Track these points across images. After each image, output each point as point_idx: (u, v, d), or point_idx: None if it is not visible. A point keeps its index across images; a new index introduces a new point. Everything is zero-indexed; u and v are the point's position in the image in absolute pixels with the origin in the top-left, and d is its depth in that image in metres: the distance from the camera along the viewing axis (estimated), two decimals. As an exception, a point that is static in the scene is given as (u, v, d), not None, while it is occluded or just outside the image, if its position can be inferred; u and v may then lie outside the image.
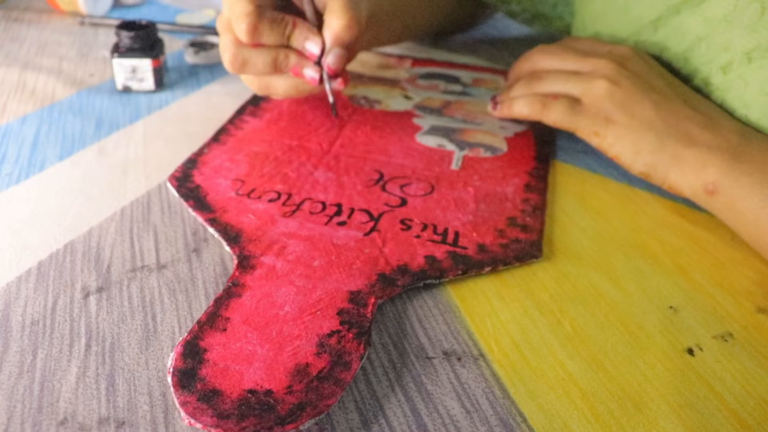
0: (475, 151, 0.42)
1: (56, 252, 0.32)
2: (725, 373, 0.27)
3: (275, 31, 0.37)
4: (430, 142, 0.43)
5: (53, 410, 0.24)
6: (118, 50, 0.48)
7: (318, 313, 0.28)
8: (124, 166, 0.39)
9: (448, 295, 0.30)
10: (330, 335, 0.27)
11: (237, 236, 0.32)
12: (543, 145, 0.43)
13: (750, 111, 0.36)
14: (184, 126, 0.45)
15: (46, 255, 0.32)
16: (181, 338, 0.26)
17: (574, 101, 0.40)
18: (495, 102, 0.45)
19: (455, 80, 0.53)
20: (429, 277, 0.31)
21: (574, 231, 0.35)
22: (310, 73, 0.38)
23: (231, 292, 0.29)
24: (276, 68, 0.38)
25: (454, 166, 0.40)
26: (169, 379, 0.24)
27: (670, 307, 0.30)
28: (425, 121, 0.46)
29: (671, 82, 0.39)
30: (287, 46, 0.38)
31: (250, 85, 0.42)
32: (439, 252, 0.32)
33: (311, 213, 0.35)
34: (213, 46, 0.57)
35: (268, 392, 0.24)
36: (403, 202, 0.36)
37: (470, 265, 0.31)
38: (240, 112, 0.46)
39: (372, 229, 0.34)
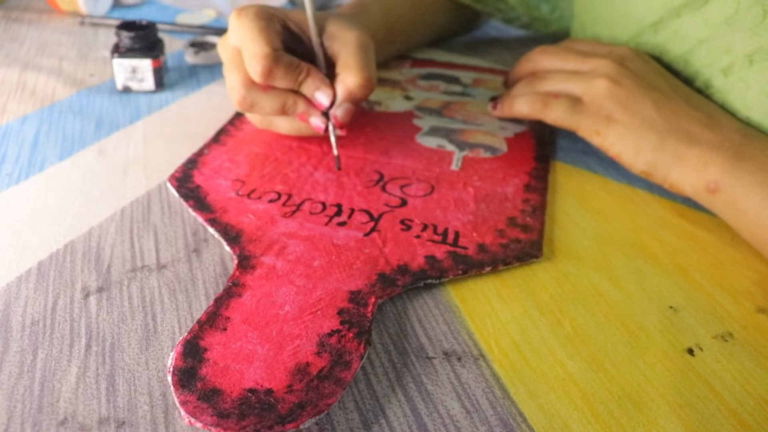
0: (475, 151, 0.42)
1: (56, 252, 0.32)
2: (725, 373, 0.27)
3: (289, 77, 0.37)
4: (430, 142, 0.43)
5: (53, 410, 0.24)
6: (118, 50, 0.48)
7: (318, 312, 0.28)
8: (124, 167, 0.39)
9: (448, 295, 0.31)
10: (330, 335, 0.27)
11: (237, 236, 0.32)
12: (543, 146, 0.43)
13: (751, 113, 0.36)
14: (184, 126, 0.45)
15: (46, 255, 0.32)
16: (181, 338, 0.26)
17: (575, 100, 0.40)
18: (495, 102, 0.45)
19: (455, 81, 0.53)
20: (429, 277, 0.31)
21: (574, 231, 0.35)
22: (317, 122, 0.38)
23: (231, 291, 0.29)
24: (283, 112, 0.38)
25: (454, 166, 0.40)
26: (169, 378, 0.24)
27: (670, 307, 0.30)
28: (425, 122, 0.46)
29: (672, 81, 0.39)
30: (296, 92, 0.38)
31: (252, 119, 0.42)
32: (440, 252, 0.32)
33: (311, 213, 0.35)
34: (213, 46, 0.57)
35: (269, 391, 0.24)
36: (403, 203, 0.36)
37: (470, 265, 0.31)
38: (240, 112, 0.46)
39: (372, 230, 0.34)
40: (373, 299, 0.29)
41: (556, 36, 0.59)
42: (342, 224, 0.34)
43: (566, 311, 0.30)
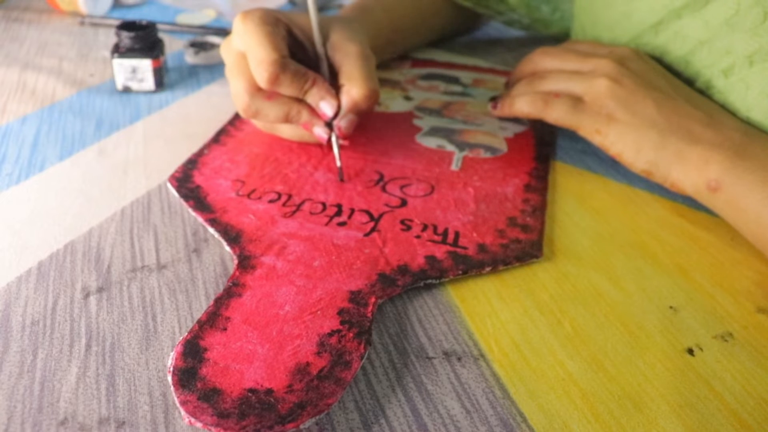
0: (475, 151, 0.42)
1: (56, 252, 0.32)
2: (725, 373, 0.27)
3: (295, 85, 0.37)
4: (430, 143, 0.43)
5: (53, 410, 0.24)
6: (118, 50, 0.48)
7: (318, 312, 0.28)
8: (124, 167, 0.39)
9: (448, 295, 0.31)
10: (330, 335, 0.27)
11: (237, 236, 0.32)
12: (543, 146, 0.43)
13: (752, 114, 0.36)
14: (184, 126, 0.45)
15: (46, 255, 0.32)
16: (181, 338, 0.26)
17: (575, 100, 0.40)
18: (495, 102, 0.45)
19: (455, 81, 0.53)
20: (429, 277, 0.31)
21: (574, 231, 0.35)
22: (320, 132, 0.38)
23: (231, 291, 0.29)
24: (287, 120, 0.38)
25: (454, 166, 0.40)
26: (170, 378, 0.24)
27: (670, 307, 0.30)
28: (425, 122, 0.46)
29: (672, 81, 0.39)
30: (300, 100, 0.38)
31: (256, 124, 0.42)
32: (440, 252, 0.32)
33: (311, 213, 0.35)
34: (213, 46, 0.57)
35: (269, 391, 0.24)
36: (403, 203, 0.36)
37: (470, 265, 0.31)
38: (240, 112, 0.46)
39: (372, 230, 0.34)
40: (373, 299, 0.29)
41: (557, 37, 0.59)
42: (342, 224, 0.34)
43: (566, 311, 0.30)
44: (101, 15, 0.67)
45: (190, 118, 0.46)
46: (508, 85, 0.48)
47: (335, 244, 0.32)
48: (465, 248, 0.33)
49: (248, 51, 0.37)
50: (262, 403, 0.23)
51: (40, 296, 0.29)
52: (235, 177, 0.38)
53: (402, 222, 0.34)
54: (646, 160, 0.36)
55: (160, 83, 0.50)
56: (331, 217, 0.34)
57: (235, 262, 0.31)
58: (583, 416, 0.25)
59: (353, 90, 0.37)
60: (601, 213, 0.37)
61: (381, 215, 0.35)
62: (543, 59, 0.44)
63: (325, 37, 0.39)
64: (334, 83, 0.39)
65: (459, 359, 0.27)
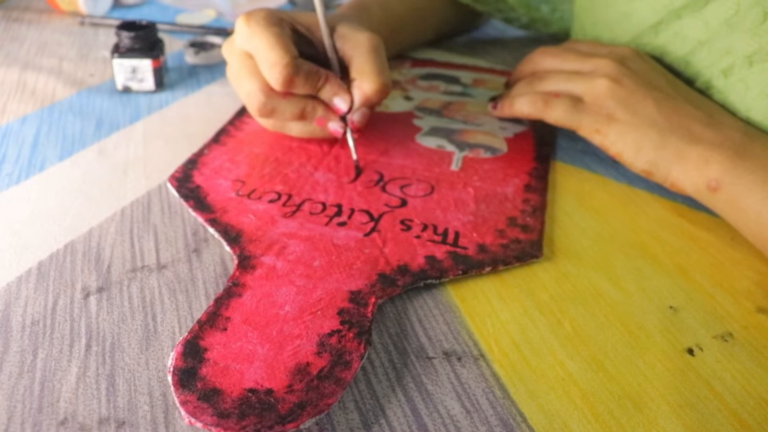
0: (475, 151, 0.42)
1: (56, 252, 0.32)
2: (725, 373, 0.27)
3: (309, 84, 0.37)
4: (430, 143, 0.43)
5: (53, 410, 0.24)
6: (118, 50, 0.48)
7: (318, 312, 0.28)
8: (124, 167, 0.39)
9: (448, 295, 0.31)
10: (330, 335, 0.27)
11: (237, 236, 0.32)
12: (543, 146, 0.43)
13: (751, 114, 0.36)
14: (184, 126, 0.45)
15: (46, 255, 0.32)
16: (181, 338, 0.26)
17: (576, 99, 0.40)
18: (495, 102, 0.45)
19: (455, 81, 0.53)
20: (429, 277, 0.31)
21: (574, 231, 0.35)
22: (336, 127, 0.39)
23: (231, 291, 0.29)
24: (302, 117, 0.39)
25: (454, 166, 0.40)
26: (170, 378, 0.24)
27: (670, 307, 0.30)
28: (425, 122, 0.46)
29: (672, 80, 0.39)
30: (314, 97, 0.38)
31: (262, 122, 0.42)
32: (440, 252, 0.32)
33: (311, 213, 0.35)
34: (213, 46, 0.57)
35: (269, 391, 0.24)
36: (403, 203, 0.36)
37: (470, 265, 0.31)
38: (240, 113, 0.46)
39: (372, 230, 0.34)
40: (373, 299, 0.29)
41: (557, 37, 0.59)
42: (342, 224, 0.34)
43: (566, 311, 0.30)
44: (101, 15, 0.67)
45: (190, 118, 0.46)
46: (508, 85, 0.48)
47: (335, 244, 0.32)
48: (465, 248, 0.33)
49: (257, 54, 0.37)
50: (262, 403, 0.23)
51: (40, 296, 0.29)
52: (235, 177, 0.38)
53: (402, 222, 0.34)
54: (646, 159, 0.36)
55: (160, 83, 0.50)
56: (331, 217, 0.34)
57: (235, 262, 0.31)
58: (583, 416, 0.25)
59: (365, 84, 0.38)
60: (601, 213, 0.37)
61: (381, 215, 0.35)
62: (543, 59, 0.44)
63: (331, 30, 0.39)
64: (344, 77, 0.39)
65: (459, 359, 0.27)
